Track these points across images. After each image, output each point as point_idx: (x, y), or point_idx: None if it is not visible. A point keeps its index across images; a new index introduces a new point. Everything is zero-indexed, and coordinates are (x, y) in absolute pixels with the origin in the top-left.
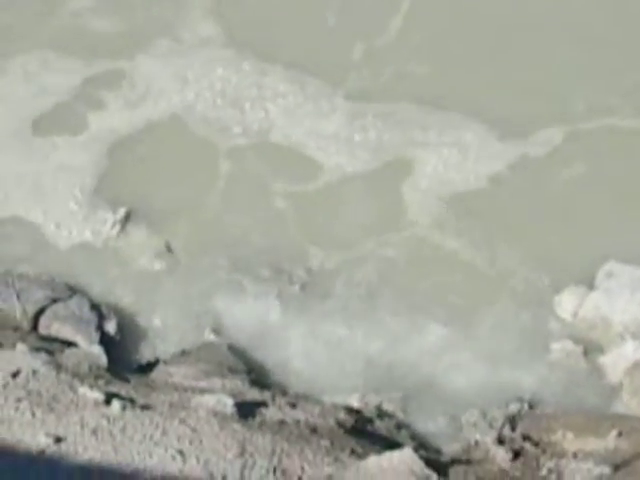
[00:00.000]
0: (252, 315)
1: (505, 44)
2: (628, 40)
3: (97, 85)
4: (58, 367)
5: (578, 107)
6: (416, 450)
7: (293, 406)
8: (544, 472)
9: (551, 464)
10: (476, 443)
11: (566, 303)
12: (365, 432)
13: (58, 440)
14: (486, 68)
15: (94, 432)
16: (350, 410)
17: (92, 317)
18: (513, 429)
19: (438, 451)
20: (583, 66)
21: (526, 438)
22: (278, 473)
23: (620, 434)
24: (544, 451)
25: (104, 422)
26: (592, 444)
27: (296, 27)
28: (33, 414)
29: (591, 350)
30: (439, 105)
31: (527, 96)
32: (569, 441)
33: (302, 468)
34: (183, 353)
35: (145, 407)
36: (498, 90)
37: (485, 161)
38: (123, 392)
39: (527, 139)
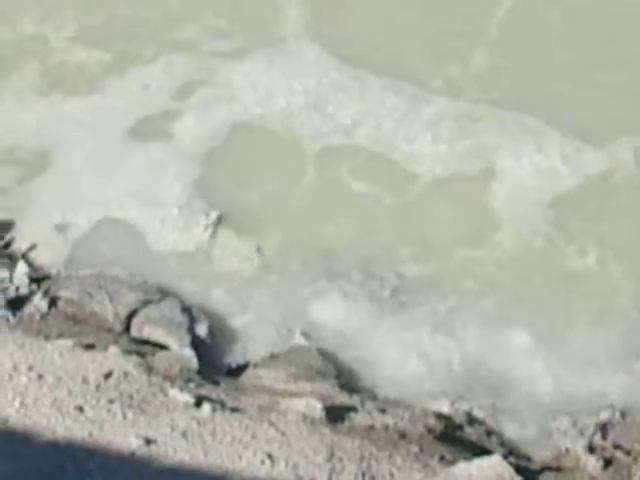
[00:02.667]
0: (342, 319)
1: (588, 46)
2: None
3: (190, 93)
4: (149, 369)
5: None
6: (506, 457)
7: (382, 411)
8: None
9: None
10: (566, 451)
11: None
12: (455, 438)
13: (148, 442)
14: (567, 70)
15: (184, 434)
16: (440, 416)
17: (183, 320)
18: (604, 437)
19: (528, 458)
20: None
21: (617, 447)
22: (367, 478)
23: None
24: (635, 460)
25: (194, 424)
26: None
27: (383, 34)
28: (124, 415)
29: None
30: (524, 109)
31: (611, 99)
32: None
33: (391, 474)
34: (273, 356)
35: (235, 410)
36: (581, 93)
37: (571, 167)
38: (213, 395)
39: (612, 144)
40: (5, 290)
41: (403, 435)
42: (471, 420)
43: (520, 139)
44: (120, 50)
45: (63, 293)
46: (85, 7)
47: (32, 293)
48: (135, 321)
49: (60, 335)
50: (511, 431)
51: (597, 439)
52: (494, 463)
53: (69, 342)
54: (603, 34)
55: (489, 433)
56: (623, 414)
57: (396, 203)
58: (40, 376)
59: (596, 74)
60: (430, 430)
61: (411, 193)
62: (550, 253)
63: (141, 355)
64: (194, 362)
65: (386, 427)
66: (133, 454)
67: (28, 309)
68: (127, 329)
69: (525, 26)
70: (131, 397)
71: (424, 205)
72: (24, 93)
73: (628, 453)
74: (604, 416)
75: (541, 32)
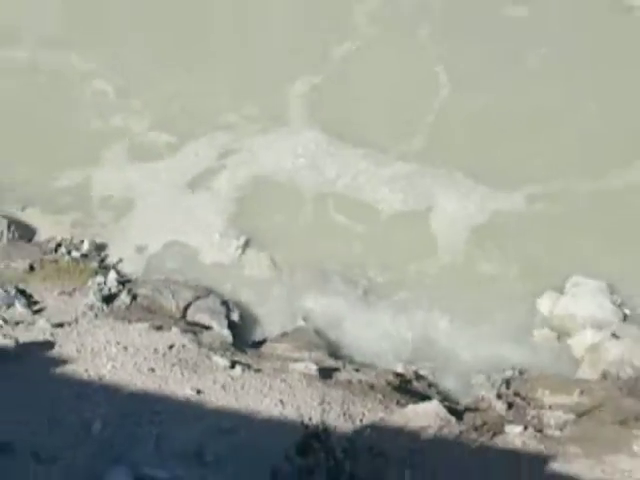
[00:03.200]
0: (330, 309)
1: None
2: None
3: (225, 157)
4: (199, 343)
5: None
6: (441, 401)
7: (357, 371)
8: (529, 418)
9: (534, 412)
10: (482, 398)
11: (545, 304)
12: (406, 389)
13: (198, 392)
14: (485, 140)
15: (223, 387)
16: (396, 374)
17: (222, 309)
18: (508, 388)
19: (456, 403)
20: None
21: (517, 394)
22: (347, 416)
23: (582, 392)
24: (529, 404)
25: (229, 380)
26: (562, 399)
27: (360, 118)
28: (182, 374)
29: (562, 335)
30: (454, 167)
31: (514, 163)
32: (546, 397)
33: (363, 413)
34: (283, 334)
35: (257, 370)
36: (491, 158)
37: (488, 205)
38: (242, 360)
39: (513, 191)
40: (101, 290)
41: (371, 387)
42: (418, 377)
43: (451, 188)
44: (180, 131)
45: (140, 291)
46: (160, 101)
47: (119, 292)
48: (189, 310)
49: (138, 320)
50: (445, 384)
51: (503, 389)
52: (433, 406)
53: (145, 325)
54: (519, 112)
55: (430, 385)
56: (521, 372)
57: (366, 231)
58: (125, 347)
59: (504, 145)
60: (390, 383)
61: (377, 224)
62: (471, 264)
63: (194, 333)
64: (229, 338)
65: (360, 381)
66: (188, 400)
67: (117, 302)
68: (184, 316)
69: (458, 108)
70: (187, 362)
71: (386, 232)
72: (116, 162)
73: (524, 399)
74: (508, 374)
75: (469, 113)
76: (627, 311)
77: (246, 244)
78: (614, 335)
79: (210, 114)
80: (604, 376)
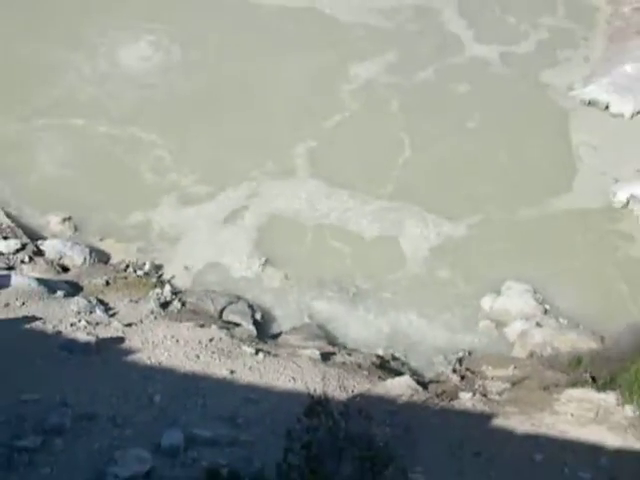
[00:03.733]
0: (328, 309)
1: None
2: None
3: (248, 201)
4: (232, 336)
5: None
6: (411, 376)
7: (349, 354)
8: (476, 387)
9: (480, 382)
10: (442, 373)
11: (486, 302)
12: (385, 367)
13: (232, 372)
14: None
15: (250, 368)
16: (378, 356)
17: (249, 311)
18: (460, 365)
19: (423, 377)
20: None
21: (467, 370)
22: (342, 388)
23: (515, 367)
24: (476, 376)
25: (255, 363)
26: (501, 372)
27: (351, 166)
28: (219, 359)
29: (500, 325)
30: (419, 204)
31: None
32: (489, 371)
33: (354, 386)
34: (293, 329)
35: (275, 355)
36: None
37: (443, 231)
38: (264, 348)
39: (460, 221)
40: (159, 299)
41: (359, 366)
42: (393, 358)
43: (415, 219)
44: (216, 183)
45: (188, 299)
46: (200, 162)
47: (172, 300)
48: (224, 312)
49: (187, 320)
50: (414, 363)
51: (457, 366)
52: (406, 380)
53: (191, 323)
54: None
55: (403, 364)
56: (470, 353)
57: (353, 251)
58: (177, 340)
59: (452, 188)
60: (373, 363)
61: (361, 246)
62: (431, 274)
63: (228, 329)
64: (254, 332)
65: (351, 362)
66: (224, 379)
67: (170, 308)
68: (220, 317)
69: (418, 162)
70: (223, 350)
71: (368, 252)
72: (170, 206)
73: (473, 373)
74: (460, 354)
75: (427, 165)
76: (547, 306)
77: (266, 263)
78: (538, 324)
79: (237, 170)
80: (531, 355)
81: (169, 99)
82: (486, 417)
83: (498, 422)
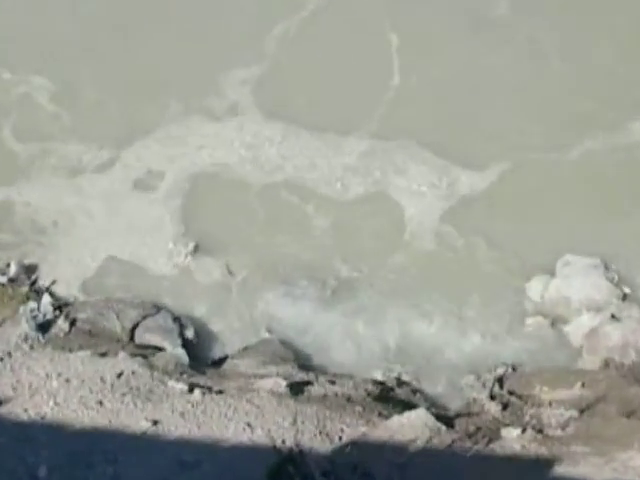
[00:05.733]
0: (296, 315)
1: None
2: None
3: (168, 157)
4: (151, 367)
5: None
6: (428, 409)
7: (332, 382)
8: (527, 418)
9: (532, 412)
10: (474, 400)
11: (534, 288)
12: (388, 398)
13: (155, 423)
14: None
15: (182, 415)
16: (376, 382)
17: (175, 327)
18: (501, 387)
19: (445, 408)
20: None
21: (511, 393)
22: (323, 435)
23: (583, 385)
24: (526, 402)
25: (189, 406)
26: (562, 394)
27: (318, 95)
28: (135, 405)
29: (557, 322)
30: (423, 144)
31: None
32: (545, 393)
33: (341, 430)
34: (245, 348)
35: (219, 392)
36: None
37: (458, 185)
38: (202, 382)
39: (484, 169)
40: (35, 317)
41: (349, 399)
42: (400, 383)
43: (416, 168)
44: (114, 137)
45: (80, 315)
46: (90, 108)
47: (56, 318)
48: (137, 331)
49: (80, 347)
50: (431, 389)
51: (496, 389)
52: (420, 414)
53: (87, 352)
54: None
55: (414, 392)
56: (514, 368)
57: (327, 223)
58: (67, 380)
59: (468, 118)
60: (369, 393)
61: (338, 214)
62: (446, 251)
63: (144, 357)
64: (185, 358)
65: (336, 394)
66: (144, 433)
67: (54, 330)
68: (132, 338)
69: (416, 80)
70: (139, 389)
71: (349, 222)
72: (43, 178)
73: (520, 398)
74: (500, 371)
75: (429, 85)
76: (626, 289)
77: (195, 250)
78: (614, 317)
79: (149, 116)
80: (606, 364)
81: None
82: (544, 464)
83: (562, 470)
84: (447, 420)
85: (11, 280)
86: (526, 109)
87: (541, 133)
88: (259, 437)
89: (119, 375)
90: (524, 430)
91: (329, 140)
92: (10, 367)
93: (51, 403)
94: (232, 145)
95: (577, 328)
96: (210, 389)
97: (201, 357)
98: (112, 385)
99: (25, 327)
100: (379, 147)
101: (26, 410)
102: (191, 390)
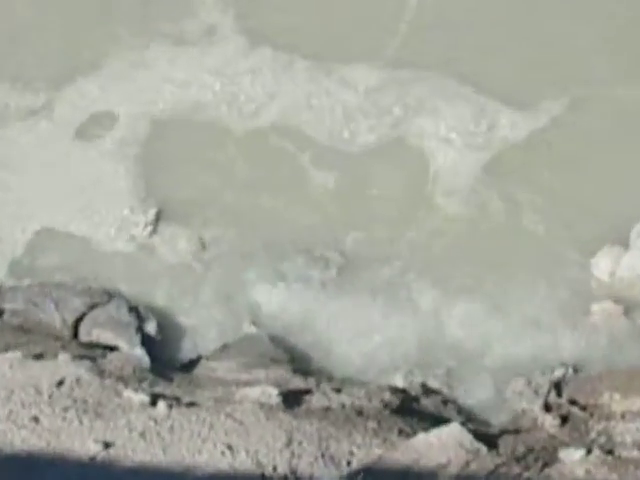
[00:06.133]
0: (291, 303)
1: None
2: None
3: (115, 85)
4: (101, 373)
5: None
6: (464, 424)
7: (338, 391)
8: (593, 435)
9: (600, 427)
10: (523, 412)
11: (603, 264)
12: (412, 410)
13: (107, 446)
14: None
15: (142, 435)
16: (395, 390)
17: (131, 319)
18: (559, 395)
19: (486, 423)
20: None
21: (573, 403)
22: (327, 459)
23: None
24: (592, 414)
25: (151, 424)
26: (639, 404)
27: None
28: (80, 422)
29: (632, 309)
30: (447, 75)
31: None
32: (616, 402)
33: (351, 452)
34: (224, 347)
35: (191, 405)
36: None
37: (500, 129)
38: (168, 392)
39: (534, 108)
40: None
41: (360, 412)
42: (426, 391)
43: (446, 107)
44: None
45: (7, 305)
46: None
47: None
48: (83, 326)
49: (8, 347)
50: (467, 398)
51: (552, 397)
52: (453, 431)
53: (18, 354)
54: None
55: (445, 402)
56: (576, 370)
57: (331, 180)
58: None
59: (514, 45)
60: (387, 405)
61: (345, 168)
62: (485, 217)
63: (92, 359)
64: (146, 361)
65: (343, 406)
66: (93, 459)
67: None
68: (75, 335)
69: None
70: (85, 402)
71: (359, 180)
72: None
73: (584, 408)
74: (558, 373)
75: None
76: None
77: (158, 218)
78: None
79: (94, 42)
80: None
81: None
82: None
83: None
84: (488, 439)
85: None
86: (587, 32)
87: (606, 63)
88: (243, 463)
89: (59, 383)
90: (589, 451)
91: (330, 71)
92: None
93: None
94: (204, 80)
95: None
96: (178, 401)
97: (167, 359)
98: (50, 396)
99: None
100: (395, 80)
101: None
102: (154, 402)
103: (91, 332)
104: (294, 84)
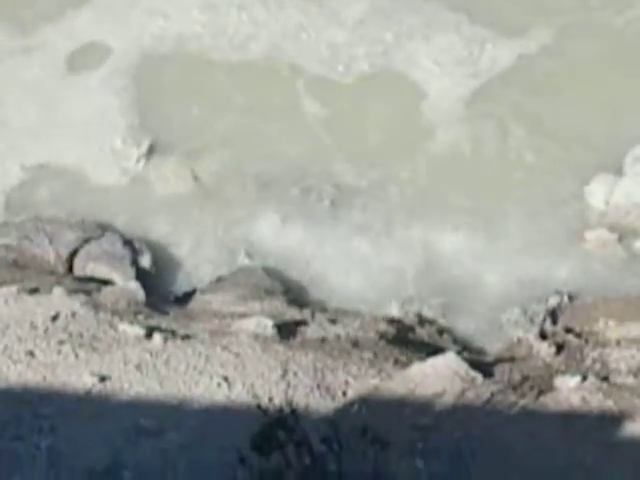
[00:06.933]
0: (285, 235)
1: None
2: None
3: (106, 18)
4: (96, 306)
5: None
6: (459, 353)
7: (333, 322)
8: (588, 362)
9: (595, 354)
10: (519, 340)
11: (597, 192)
12: (407, 340)
13: (103, 379)
14: None
15: (138, 367)
16: (391, 320)
17: (126, 253)
18: (554, 323)
19: (481, 352)
20: None
21: (568, 330)
22: (322, 389)
23: None
24: (587, 342)
25: (147, 356)
26: (635, 330)
27: None
28: (76, 355)
29: (626, 236)
30: (443, 4)
31: None
32: (611, 329)
33: (346, 382)
34: (219, 280)
35: (186, 337)
36: None
37: (490, 56)
38: (163, 325)
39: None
40: None
41: (356, 343)
42: (422, 321)
43: (440, 31)
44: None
45: (1, 240)
46: None
47: None
48: (77, 260)
49: (3, 283)
50: (462, 327)
51: (548, 325)
52: (448, 360)
53: (12, 289)
54: None
55: (441, 331)
56: (571, 298)
57: (324, 110)
58: None
59: None
60: (382, 335)
61: (338, 98)
62: (480, 145)
63: (87, 293)
64: (140, 294)
65: (338, 337)
66: (89, 393)
67: None
68: (70, 269)
69: None
70: (81, 336)
71: (353, 108)
72: None
73: (579, 336)
74: (553, 302)
75: None
76: None
77: (151, 151)
78: None
79: None
80: None
81: None
82: (611, 421)
83: (634, 427)
84: (484, 368)
85: None
86: None
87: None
88: (239, 395)
89: (54, 318)
90: (584, 378)
91: (321, 2)
92: None
93: None
94: (193, 12)
95: None
96: (174, 333)
97: (162, 292)
98: (45, 331)
99: None
100: (386, 7)
101: None
102: (149, 335)
103: (85, 266)
104: (283, 13)
